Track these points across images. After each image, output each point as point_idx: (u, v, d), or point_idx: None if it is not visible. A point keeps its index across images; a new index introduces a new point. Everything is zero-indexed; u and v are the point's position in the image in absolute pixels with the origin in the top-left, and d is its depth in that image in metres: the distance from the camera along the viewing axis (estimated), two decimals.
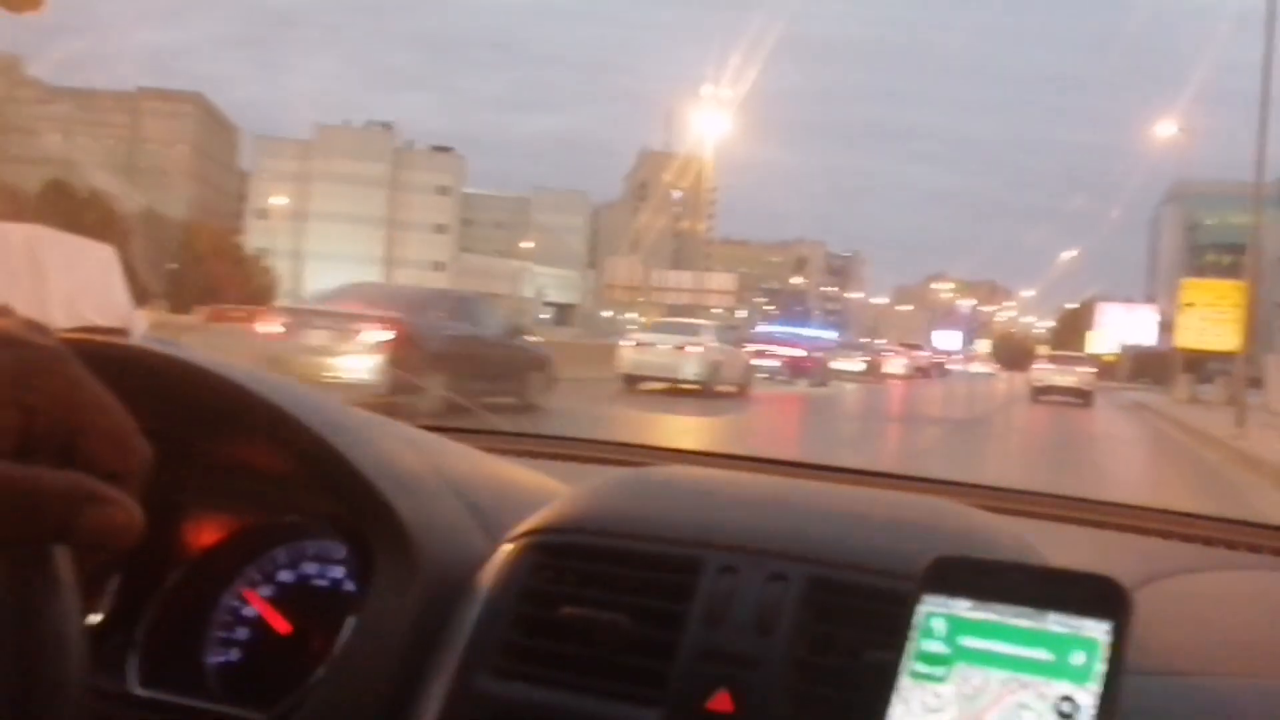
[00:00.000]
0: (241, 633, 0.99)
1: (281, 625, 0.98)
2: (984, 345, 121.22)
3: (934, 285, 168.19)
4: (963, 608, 0.60)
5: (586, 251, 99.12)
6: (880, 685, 0.60)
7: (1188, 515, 1.36)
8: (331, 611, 0.93)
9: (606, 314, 76.92)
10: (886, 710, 0.59)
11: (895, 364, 41.78)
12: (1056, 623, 0.58)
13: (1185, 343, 34.15)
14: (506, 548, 0.88)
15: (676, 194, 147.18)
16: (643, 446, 1.75)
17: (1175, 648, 0.81)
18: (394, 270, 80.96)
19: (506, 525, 0.91)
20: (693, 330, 19.62)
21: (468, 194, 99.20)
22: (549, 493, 1.01)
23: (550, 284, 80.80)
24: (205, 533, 1.04)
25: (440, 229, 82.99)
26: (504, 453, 1.27)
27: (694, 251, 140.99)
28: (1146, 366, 66.61)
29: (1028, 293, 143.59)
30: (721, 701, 0.75)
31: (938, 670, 0.59)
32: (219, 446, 1.03)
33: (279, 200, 76.03)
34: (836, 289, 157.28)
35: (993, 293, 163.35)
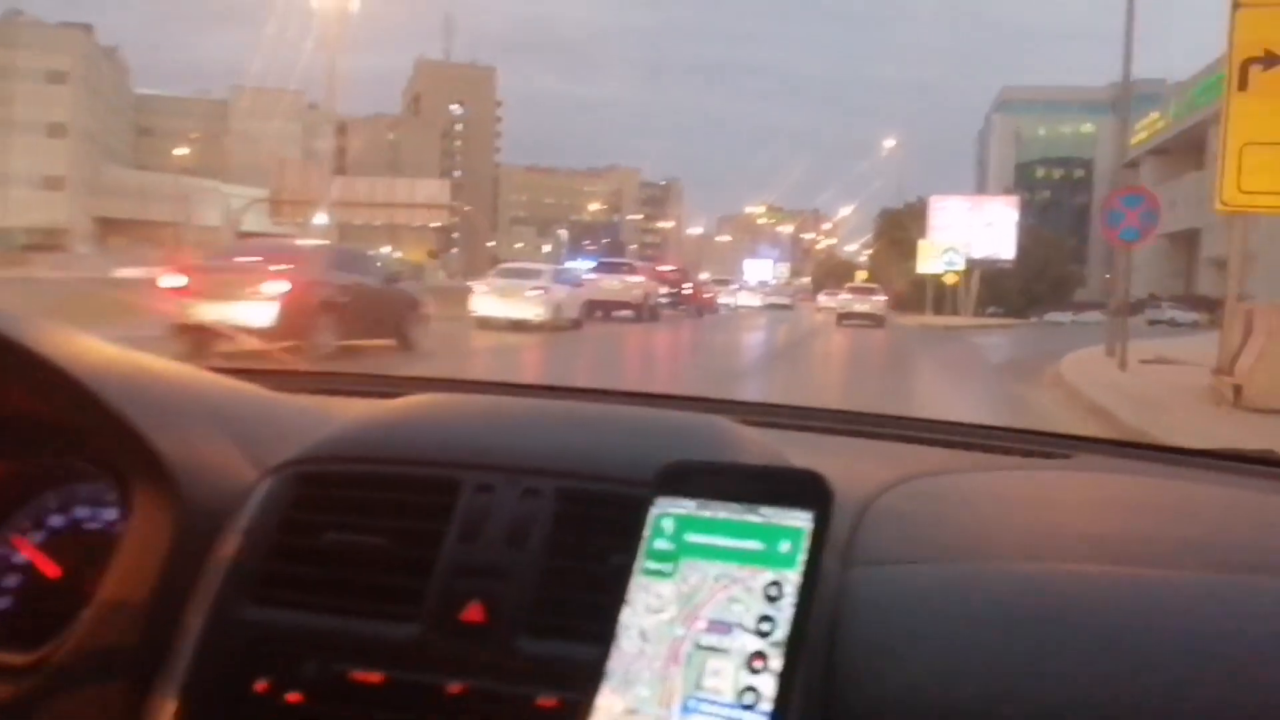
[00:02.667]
0: (11, 580, 0.97)
1: (51, 569, 0.96)
2: (782, 271, 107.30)
3: (749, 210, 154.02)
4: (689, 507, 0.66)
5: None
6: (618, 587, 0.65)
7: (949, 424, 1.41)
8: (104, 553, 0.91)
9: (386, 249, 57.25)
10: (619, 610, 0.64)
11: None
12: (766, 515, 0.63)
13: (1240, 194, 8.07)
14: (269, 479, 0.90)
15: (456, 108, 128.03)
16: (420, 379, 1.80)
17: (911, 539, 0.87)
18: None
19: (277, 457, 0.92)
20: None
21: (142, 95, 77.11)
22: (325, 424, 1.01)
23: (251, 208, 59.70)
24: None
25: (56, 131, 60.52)
26: (312, 391, 1.28)
27: (481, 175, 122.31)
28: (1003, 290, 51.58)
29: (845, 210, 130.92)
30: (474, 612, 0.78)
31: (666, 566, 0.64)
32: None
33: None
34: (644, 219, 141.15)
35: (815, 220, 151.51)
